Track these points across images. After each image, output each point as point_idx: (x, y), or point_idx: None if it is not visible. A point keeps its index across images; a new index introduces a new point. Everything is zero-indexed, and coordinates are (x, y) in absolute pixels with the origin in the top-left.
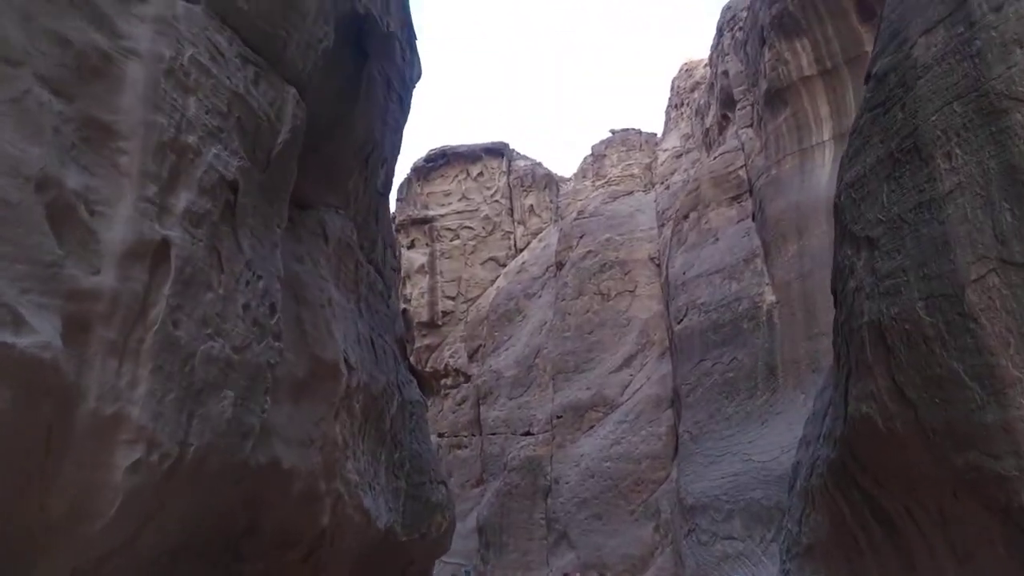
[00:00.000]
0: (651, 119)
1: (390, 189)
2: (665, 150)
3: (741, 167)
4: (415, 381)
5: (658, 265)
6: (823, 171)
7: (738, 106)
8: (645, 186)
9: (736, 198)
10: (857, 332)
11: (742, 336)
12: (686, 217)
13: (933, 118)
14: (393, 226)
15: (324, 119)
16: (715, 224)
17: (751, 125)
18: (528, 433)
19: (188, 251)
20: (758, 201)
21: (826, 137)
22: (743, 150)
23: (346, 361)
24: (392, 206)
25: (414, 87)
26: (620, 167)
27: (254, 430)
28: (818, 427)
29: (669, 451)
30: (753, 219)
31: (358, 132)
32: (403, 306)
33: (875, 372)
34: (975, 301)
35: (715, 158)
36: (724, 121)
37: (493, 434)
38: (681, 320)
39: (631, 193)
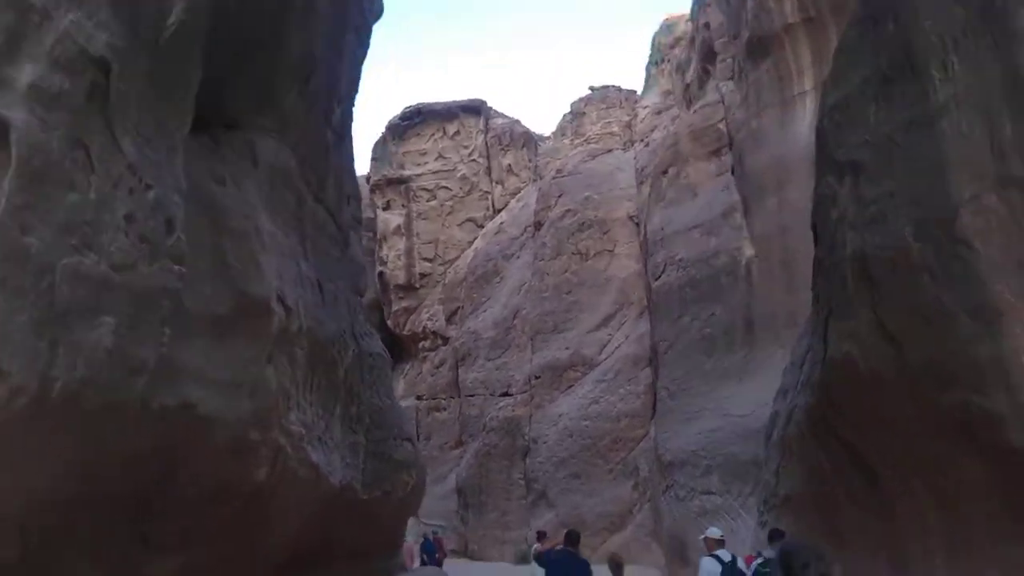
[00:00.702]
0: (631, 77)
1: (348, 131)
2: (645, 107)
3: (721, 120)
4: (376, 335)
5: (637, 224)
6: (804, 122)
7: (719, 58)
8: (625, 144)
9: (716, 152)
10: (838, 267)
11: (720, 291)
12: (664, 173)
13: (928, 23)
14: (368, 186)
15: (249, 26)
16: (694, 179)
17: (732, 78)
18: (506, 394)
19: (36, 138)
20: (738, 155)
21: (808, 87)
22: (723, 103)
23: (281, 301)
24: (367, 166)
25: (374, 22)
26: (599, 125)
27: (147, 365)
28: (795, 375)
29: (647, 409)
30: (733, 173)
31: (292, 46)
32: (380, 269)
33: (857, 308)
34: (969, 224)
35: (694, 112)
36: (704, 75)
37: (471, 396)
38: (659, 277)
39: (610, 151)
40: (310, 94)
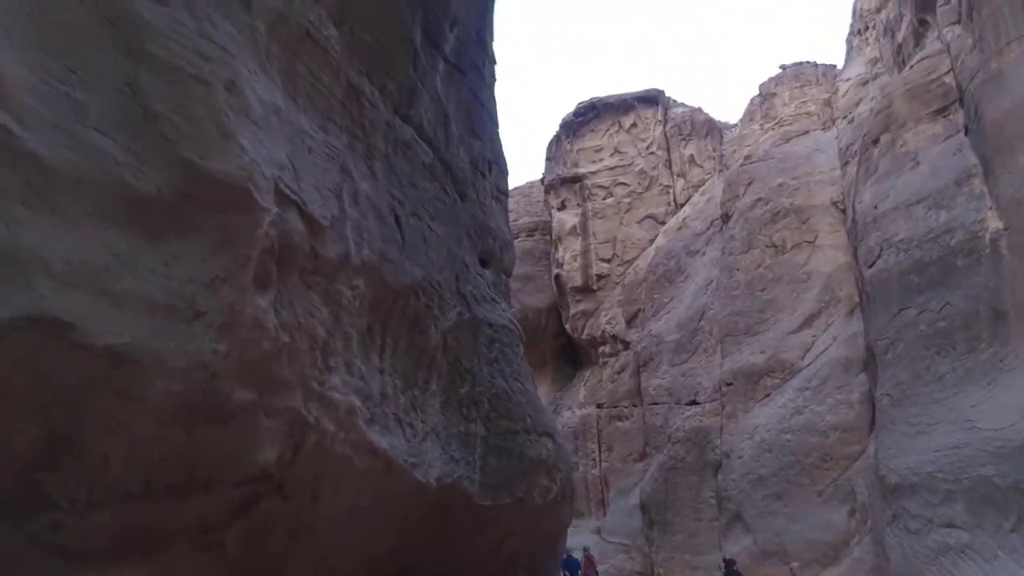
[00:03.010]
0: (827, 54)
1: (470, 68)
2: (847, 80)
3: (947, 72)
4: (502, 304)
5: (842, 210)
6: None
7: (940, 1)
8: (824, 123)
9: (941, 111)
10: None
11: (956, 276)
12: (876, 142)
13: None
14: (543, 187)
15: None
16: (913, 146)
17: (958, 21)
18: (694, 402)
19: None
20: (972, 107)
21: None
22: (948, 52)
23: (299, 207)
24: (542, 167)
25: None
26: (793, 105)
27: None
28: None
29: (864, 422)
30: (966, 133)
31: None
32: (556, 271)
33: None
34: None
35: (911, 68)
36: (922, 28)
37: (655, 404)
38: (873, 263)
39: (807, 132)
40: None
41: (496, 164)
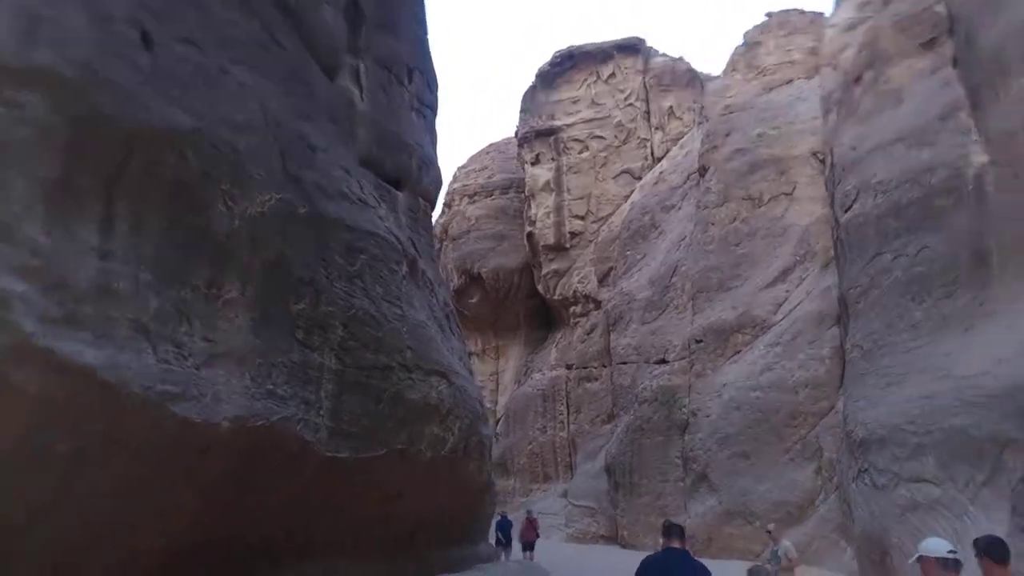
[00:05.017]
0: (816, 1)
1: None
2: (834, 25)
3: (938, 1)
4: (381, 210)
5: (822, 161)
6: None
7: None
8: (808, 73)
9: (930, 44)
10: None
11: (935, 217)
12: (858, 80)
13: None
14: (517, 139)
15: None
16: (898, 82)
17: None
18: (662, 361)
19: None
20: (963, 35)
21: None
22: None
23: None
24: (516, 119)
25: None
26: (777, 54)
27: None
28: None
29: (834, 378)
30: (955, 65)
31: None
32: (528, 229)
33: None
34: None
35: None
36: None
37: (623, 363)
38: (850, 207)
39: (790, 82)
40: None
41: (420, 72)
